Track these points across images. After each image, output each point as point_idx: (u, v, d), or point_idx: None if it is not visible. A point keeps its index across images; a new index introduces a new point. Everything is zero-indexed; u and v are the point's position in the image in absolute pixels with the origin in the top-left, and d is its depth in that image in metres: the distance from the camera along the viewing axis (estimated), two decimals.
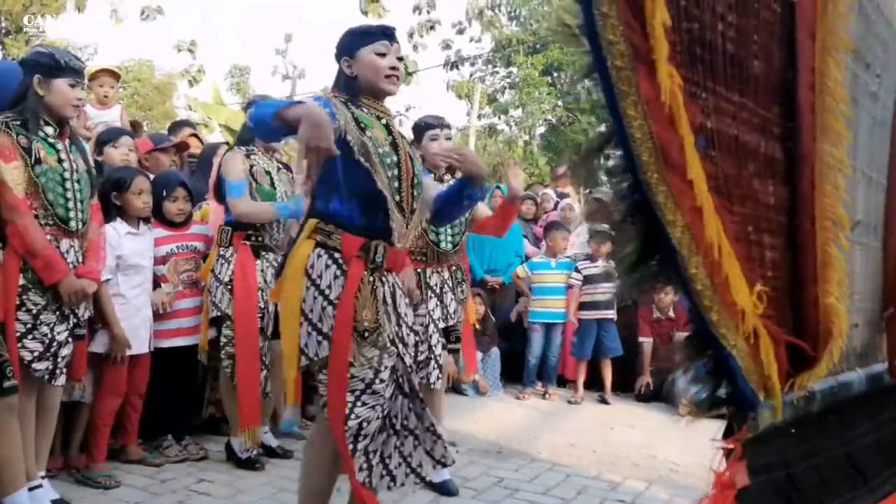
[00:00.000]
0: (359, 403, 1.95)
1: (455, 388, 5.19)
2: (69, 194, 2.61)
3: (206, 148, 4.56)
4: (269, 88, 23.34)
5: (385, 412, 2.04)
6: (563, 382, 5.77)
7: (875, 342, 1.71)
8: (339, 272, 2.00)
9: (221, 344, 3.26)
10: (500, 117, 18.45)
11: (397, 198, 2.07)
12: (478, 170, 2.30)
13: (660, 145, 1.03)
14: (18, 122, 2.54)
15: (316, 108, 1.86)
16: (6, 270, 2.48)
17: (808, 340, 1.33)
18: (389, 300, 2.09)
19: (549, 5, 18.01)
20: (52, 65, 2.60)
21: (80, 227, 2.66)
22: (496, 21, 18.51)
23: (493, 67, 18.99)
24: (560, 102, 17.80)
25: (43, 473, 2.71)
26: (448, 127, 3.24)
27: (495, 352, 5.49)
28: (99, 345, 3.06)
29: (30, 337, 2.51)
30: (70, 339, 2.64)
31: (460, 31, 18.88)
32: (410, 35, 18.94)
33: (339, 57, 2.16)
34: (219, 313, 3.26)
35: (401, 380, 2.06)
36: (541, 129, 18.54)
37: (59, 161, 2.61)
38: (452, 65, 18.61)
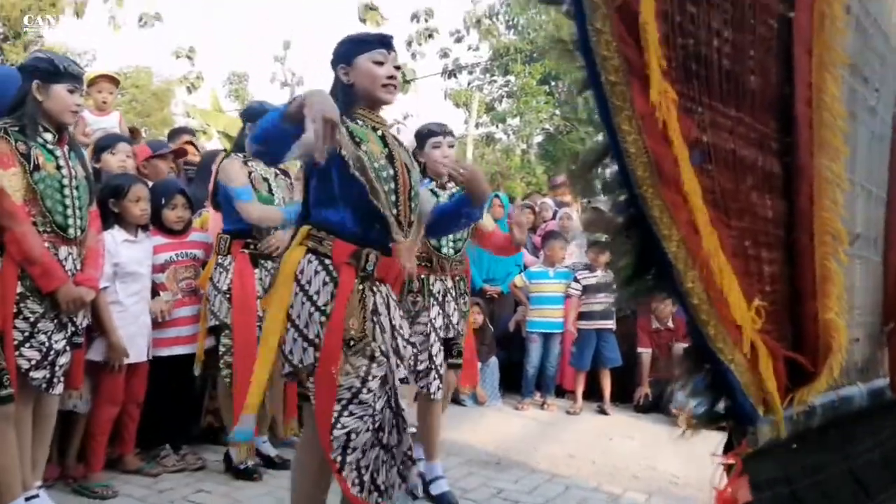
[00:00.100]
0: (346, 413, 1.93)
1: (453, 397, 5.17)
2: (68, 201, 2.60)
3: (205, 155, 4.56)
4: (267, 95, 23.35)
5: (376, 425, 2.01)
6: (561, 393, 5.76)
7: (876, 357, 1.71)
8: (328, 279, 1.99)
9: (220, 353, 3.25)
10: (497, 126, 18.49)
11: (395, 211, 2.07)
12: (481, 190, 2.25)
13: (654, 160, 1.03)
14: (17, 129, 2.53)
15: (315, 88, 1.86)
16: (4, 278, 2.47)
17: (807, 355, 1.33)
18: (382, 310, 2.07)
19: (547, 15, 18.10)
20: (51, 70, 2.59)
21: (78, 234, 2.65)
22: (494, 30, 18.58)
23: (491, 76, 19.05)
24: (557, 111, 17.85)
25: (39, 483, 2.68)
26: (451, 134, 3.23)
27: (494, 361, 5.48)
28: (96, 353, 3.04)
29: (27, 345, 2.49)
30: (68, 348, 2.63)
31: (458, 40, 18.96)
32: (409, 43, 19.01)
33: (335, 64, 2.15)
34: (217, 322, 3.26)
35: (389, 392, 2.04)
36: (538, 138, 18.58)
37: (58, 168, 2.60)
38: (450, 73, 18.67)
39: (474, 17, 18.55)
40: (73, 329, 2.66)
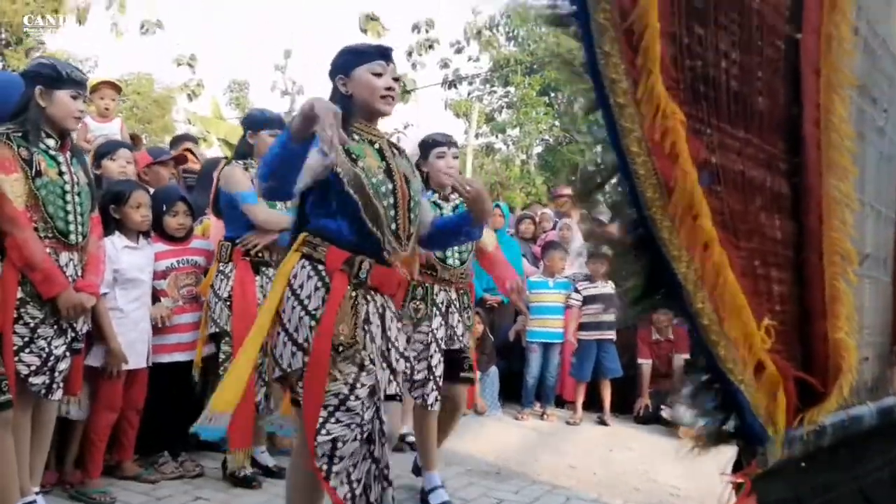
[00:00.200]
0: (332, 420, 1.92)
1: None
2: (69, 207, 2.60)
3: (206, 163, 4.56)
4: (267, 103, 23.40)
5: (365, 435, 1.99)
6: (561, 403, 5.74)
7: (886, 376, 1.70)
8: (320, 284, 1.98)
9: (220, 360, 3.24)
10: (497, 136, 18.55)
11: (393, 226, 2.06)
12: (483, 210, 2.22)
13: (663, 181, 1.03)
14: (19, 134, 2.53)
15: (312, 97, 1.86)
16: (4, 283, 2.46)
17: (817, 375, 1.33)
18: (376, 320, 2.05)
19: (547, 28, 18.18)
20: (54, 76, 2.59)
21: (79, 240, 2.64)
22: (494, 41, 18.67)
23: (491, 87, 19.12)
24: (557, 122, 17.91)
25: (37, 489, 2.67)
26: (455, 145, 3.23)
27: (494, 371, 5.46)
28: (95, 359, 3.03)
29: (27, 350, 2.48)
30: (68, 354, 2.61)
31: (459, 51, 19.05)
32: (409, 53, 19.11)
33: (333, 75, 2.15)
34: (217, 329, 3.25)
35: (378, 403, 2.02)
36: (538, 149, 18.63)
37: (60, 174, 2.60)
38: (450, 83, 18.75)
39: (475, 29, 18.65)
40: (73, 335, 2.65)
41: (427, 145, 3.16)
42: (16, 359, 2.45)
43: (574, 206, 6.62)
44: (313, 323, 1.96)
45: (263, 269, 3.29)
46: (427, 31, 18.98)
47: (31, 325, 2.50)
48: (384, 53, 2.12)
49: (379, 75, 2.09)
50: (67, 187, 2.60)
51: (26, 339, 2.48)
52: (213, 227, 3.70)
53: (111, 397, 3.11)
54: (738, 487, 1.22)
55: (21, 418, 2.49)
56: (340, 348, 1.94)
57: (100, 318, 2.94)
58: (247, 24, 41.67)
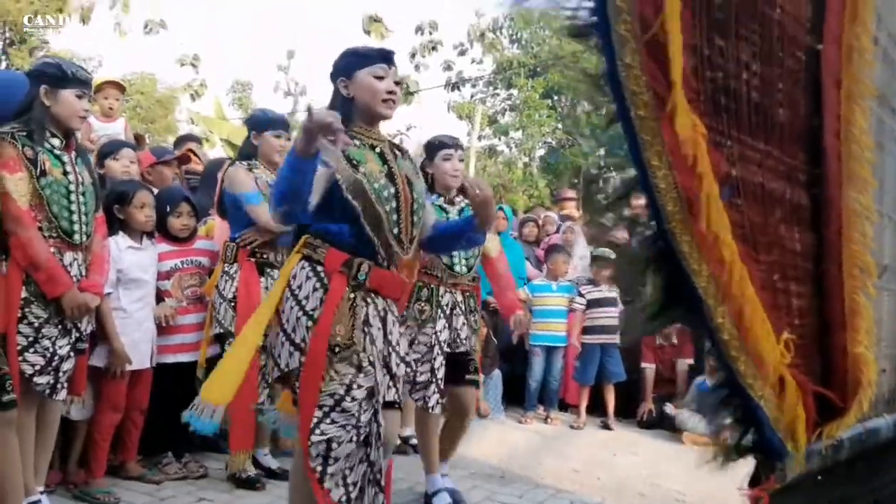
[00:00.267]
0: (327, 420, 1.91)
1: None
2: (74, 207, 2.59)
3: (210, 164, 4.54)
4: (270, 104, 23.43)
5: (362, 437, 1.98)
6: (564, 407, 5.72)
7: None
8: (318, 284, 1.99)
9: None
10: (500, 139, 18.55)
11: (395, 230, 2.05)
12: (488, 215, 2.22)
13: (684, 195, 1.02)
14: (24, 133, 2.52)
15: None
16: (9, 283, 2.46)
17: (835, 389, 1.32)
18: (377, 323, 2.05)
19: (550, 30, 18.20)
20: (59, 75, 2.59)
21: (84, 240, 2.63)
22: (498, 43, 18.69)
23: (494, 89, 19.13)
24: (560, 125, 17.91)
25: (41, 489, 2.67)
26: (461, 147, 3.22)
27: (497, 374, 5.44)
28: (98, 359, 3.02)
29: (31, 350, 2.48)
30: (72, 354, 2.61)
31: (462, 53, 19.07)
32: (412, 55, 19.12)
33: (335, 77, 2.14)
34: (222, 330, 3.24)
35: (376, 405, 2.01)
36: (540, 151, 18.64)
37: (65, 173, 2.59)
38: (454, 86, 18.76)
39: (478, 31, 18.67)
40: (78, 335, 2.64)
41: (433, 147, 3.14)
42: (20, 358, 2.45)
43: (579, 209, 6.61)
44: (310, 323, 1.96)
45: (268, 270, 3.27)
46: (430, 33, 19.00)
47: (36, 324, 2.49)
48: (386, 57, 2.12)
49: (381, 78, 2.09)
50: (72, 187, 2.59)
51: (31, 338, 2.48)
52: (217, 228, 3.69)
53: (115, 397, 3.10)
54: (755, 502, 1.20)
55: (25, 418, 2.48)
56: (337, 349, 1.94)
57: (103, 318, 2.93)
58: (250, 24, 41.76)
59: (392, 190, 2.07)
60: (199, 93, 18.45)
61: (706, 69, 1.07)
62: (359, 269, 2.00)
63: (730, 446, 1.22)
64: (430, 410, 3.02)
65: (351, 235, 2.01)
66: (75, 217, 2.59)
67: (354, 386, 1.94)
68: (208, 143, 12.36)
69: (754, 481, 1.24)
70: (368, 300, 2.03)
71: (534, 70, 17.83)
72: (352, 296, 1.99)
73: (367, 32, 18.54)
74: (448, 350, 3.05)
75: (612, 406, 5.41)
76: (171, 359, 3.35)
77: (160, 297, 3.35)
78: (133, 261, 3.16)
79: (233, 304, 3.21)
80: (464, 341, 3.10)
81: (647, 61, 0.96)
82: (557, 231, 6.46)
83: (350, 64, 2.11)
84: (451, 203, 3.14)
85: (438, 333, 3.01)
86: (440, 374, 3.02)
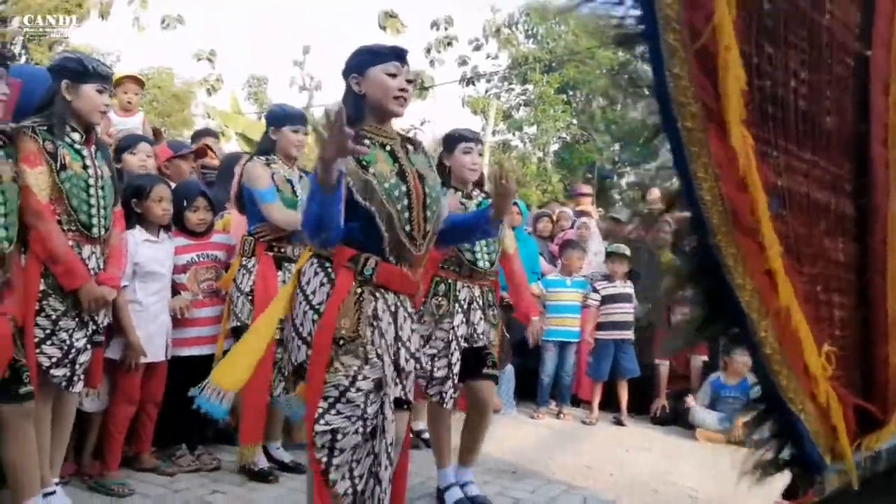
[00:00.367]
0: (332, 411, 1.93)
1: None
2: (93, 201, 2.61)
3: (226, 157, 4.57)
4: (286, 99, 23.51)
5: (368, 429, 1.99)
6: (576, 402, 5.71)
7: None
8: (325, 280, 2.01)
9: None
10: (514, 134, 18.53)
11: (408, 228, 2.06)
12: (506, 207, 2.27)
13: (731, 208, 1.01)
14: (45, 128, 2.54)
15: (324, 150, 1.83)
16: (27, 275, 2.48)
17: (875, 401, 1.30)
18: (387, 318, 2.05)
19: (566, 25, 18.11)
20: (80, 70, 2.60)
21: (102, 233, 2.66)
22: (513, 39, 18.64)
23: (509, 84, 19.10)
24: (575, 120, 17.86)
25: (57, 480, 2.69)
26: (481, 142, 3.21)
27: (509, 369, 5.43)
28: (114, 351, 3.04)
29: (48, 342, 2.50)
30: (88, 346, 2.63)
31: (477, 48, 19.03)
32: (428, 50, 19.10)
33: (347, 74, 2.14)
34: (239, 323, 3.26)
35: (383, 398, 2.02)
36: (555, 147, 18.59)
37: (85, 167, 2.61)
38: (468, 81, 18.73)
39: (494, 26, 18.62)
40: (94, 327, 2.66)
41: (453, 139, 3.13)
42: (37, 350, 2.47)
43: (594, 205, 6.58)
44: (316, 317, 1.99)
45: (286, 263, 3.29)
46: (446, 29, 18.96)
47: (53, 317, 2.51)
48: (399, 54, 2.12)
49: (393, 76, 2.09)
50: (91, 181, 2.61)
51: (48, 331, 2.50)
52: (233, 222, 3.72)
53: (130, 390, 3.13)
54: None
55: (42, 410, 2.51)
56: (341, 342, 1.96)
57: (119, 311, 2.96)
58: (266, 19, 41.87)
59: (403, 188, 2.07)
60: (215, 87, 18.55)
61: (755, 77, 1.06)
62: (365, 265, 2.01)
63: (768, 460, 1.21)
64: (445, 405, 3.02)
65: (360, 233, 2.01)
66: (94, 211, 2.61)
67: (360, 377, 1.96)
68: (224, 138, 12.41)
69: (790, 494, 1.23)
70: (378, 295, 2.04)
71: (549, 65, 17.77)
72: (358, 290, 2.00)
73: (383, 28, 18.55)
74: (465, 345, 3.03)
75: (625, 402, 5.40)
76: (186, 352, 3.37)
77: (176, 290, 3.37)
78: (149, 254, 3.19)
79: (250, 297, 3.23)
80: (481, 336, 3.08)
81: (695, 71, 0.94)
82: (572, 226, 6.44)
83: (363, 61, 2.11)
84: (469, 197, 3.13)
85: (456, 328, 3.00)
86: (456, 369, 3.01)
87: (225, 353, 3.28)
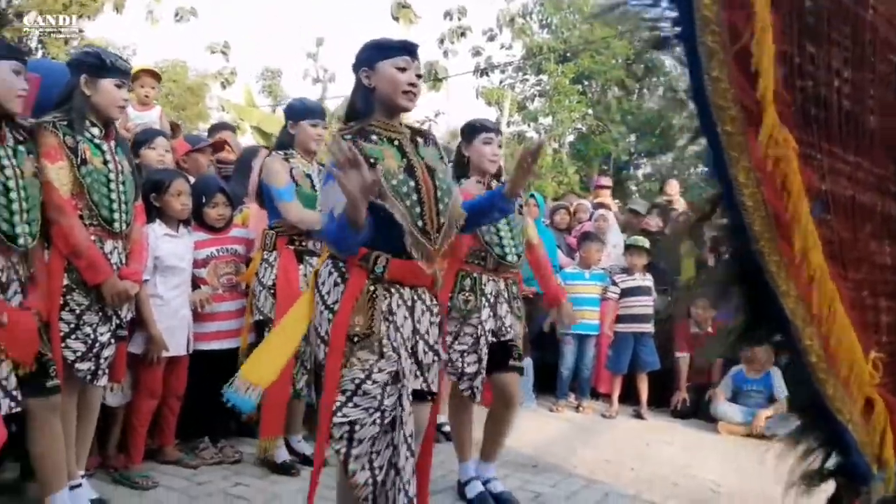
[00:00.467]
0: (350, 404, 1.96)
1: None
2: (114, 195, 2.61)
3: (244, 151, 4.56)
4: (299, 92, 23.59)
5: (387, 420, 2.01)
6: (595, 395, 5.69)
7: None
8: (339, 280, 2.05)
9: None
10: (529, 125, 18.41)
11: (420, 223, 2.06)
12: (521, 183, 2.29)
13: (773, 213, 0.98)
14: (65, 123, 2.54)
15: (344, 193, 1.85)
16: (51, 270, 2.49)
17: None
18: (403, 312, 2.06)
19: (581, 15, 17.97)
20: (99, 65, 2.60)
21: (123, 228, 2.66)
22: (527, 29, 18.51)
23: (524, 75, 18.97)
24: (590, 111, 17.72)
25: (83, 473, 2.71)
26: (501, 133, 3.20)
27: (528, 362, 5.41)
28: (136, 346, 3.06)
29: (73, 337, 2.52)
30: (112, 340, 2.64)
31: (491, 38, 18.92)
32: (441, 41, 19.02)
33: (357, 68, 2.15)
34: (262, 317, 3.27)
35: (401, 390, 2.03)
36: (570, 138, 18.46)
37: (105, 162, 2.61)
38: (482, 71, 18.64)
39: (508, 16, 18.50)
40: (118, 322, 2.67)
41: (474, 129, 3.11)
42: (62, 345, 2.48)
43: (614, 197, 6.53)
44: (331, 316, 2.02)
45: (307, 257, 3.29)
46: (459, 19, 18.87)
47: (77, 311, 2.52)
48: (409, 49, 2.12)
49: (403, 70, 2.09)
50: (112, 175, 2.61)
51: (72, 325, 2.51)
52: (253, 216, 3.72)
53: (152, 384, 3.14)
54: None
55: (68, 404, 2.52)
56: (356, 338, 1.99)
57: (141, 305, 2.97)
58: (279, 11, 41.90)
59: (412, 183, 2.07)
60: (229, 80, 18.61)
61: (797, 78, 1.03)
62: (376, 263, 2.03)
63: (814, 471, 1.18)
64: (476, 399, 3.01)
65: (373, 230, 2.01)
66: (115, 205, 2.61)
67: (375, 370, 1.99)
68: (239, 131, 12.45)
69: None
70: (392, 290, 2.05)
71: (564, 55, 17.63)
72: (371, 288, 2.02)
73: (396, 19, 18.49)
74: (493, 339, 3.02)
75: (645, 395, 5.37)
76: (207, 346, 3.38)
77: (196, 285, 3.38)
78: (169, 248, 3.20)
79: (272, 291, 3.24)
80: (508, 329, 3.06)
81: (735, 74, 0.91)
82: (590, 219, 6.40)
83: (372, 55, 2.12)
84: (489, 188, 3.11)
85: (483, 323, 2.98)
86: (485, 363, 2.99)
87: (249, 346, 3.32)
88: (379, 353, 2.00)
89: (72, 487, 2.55)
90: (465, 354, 2.96)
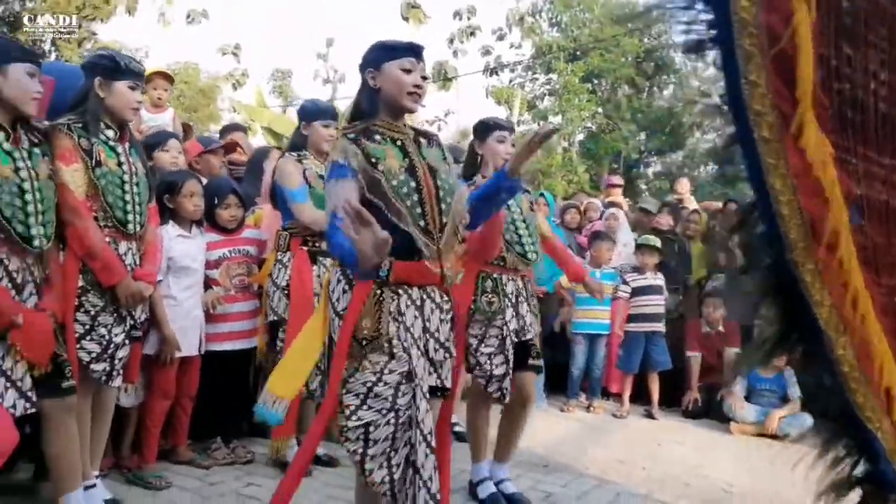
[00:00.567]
0: (364, 407, 1.98)
1: None
2: (128, 197, 2.63)
3: (256, 152, 4.58)
4: (310, 92, 23.62)
5: (402, 419, 2.01)
6: (606, 395, 5.68)
7: None
8: (346, 286, 2.06)
9: (278, 349, 3.27)
10: (539, 124, 18.34)
11: (422, 223, 2.07)
12: (525, 162, 2.31)
13: (809, 221, 0.96)
14: (80, 125, 2.56)
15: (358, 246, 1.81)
16: (66, 272, 2.51)
17: None
18: (412, 312, 2.07)
19: (591, 13, 17.92)
20: (113, 67, 2.62)
21: (138, 229, 2.68)
22: (537, 27, 18.48)
23: (533, 74, 18.95)
24: (600, 110, 17.67)
25: (97, 473, 2.73)
26: (514, 132, 3.21)
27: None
28: (149, 346, 3.07)
29: (88, 338, 2.53)
30: (127, 341, 2.66)
31: (500, 38, 18.91)
32: (451, 41, 19.03)
33: (363, 69, 2.16)
34: (276, 317, 3.28)
35: (415, 388, 2.03)
36: (580, 137, 18.42)
37: (119, 164, 2.63)
38: (492, 71, 18.63)
39: (517, 15, 18.48)
40: (132, 323, 2.69)
41: (488, 127, 3.11)
42: (77, 346, 2.50)
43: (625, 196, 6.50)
44: (340, 322, 2.04)
45: (321, 258, 3.30)
46: (469, 18, 18.88)
47: (92, 312, 2.54)
48: (415, 50, 2.13)
49: (408, 71, 2.10)
50: (126, 177, 2.63)
51: (87, 326, 2.53)
52: (265, 217, 3.73)
53: (165, 384, 3.16)
54: None
55: (82, 405, 2.54)
56: (364, 342, 2.00)
57: (154, 306, 2.99)
58: (290, 13, 42.00)
59: (412, 184, 2.07)
60: (240, 82, 18.70)
61: (833, 80, 1.01)
62: (380, 266, 2.03)
63: (842, 479, 1.17)
64: (506, 400, 3.01)
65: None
66: (129, 207, 2.63)
67: (386, 371, 2.00)
68: (250, 132, 12.49)
69: None
70: (400, 291, 2.06)
71: (573, 54, 17.59)
72: (378, 291, 2.03)
73: (406, 19, 18.52)
74: (515, 339, 3.02)
75: (656, 395, 5.35)
76: (219, 347, 3.40)
77: (208, 286, 3.40)
78: (182, 249, 3.21)
79: (286, 292, 3.25)
80: (529, 327, 3.08)
81: (773, 78, 0.89)
82: (600, 217, 6.39)
83: (379, 56, 2.13)
84: None
85: (508, 324, 3.00)
86: (511, 364, 3.01)
87: (266, 344, 3.35)
88: (389, 354, 2.01)
89: (86, 488, 2.57)
90: (493, 356, 2.98)
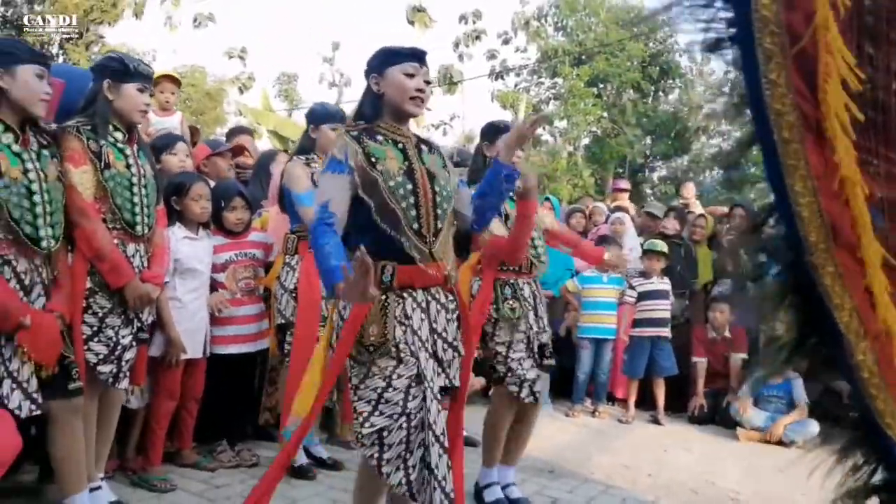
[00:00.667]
0: (375, 413, 1.99)
1: None
2: (136, 199, 2.63)
3: (263, 155, 4.59)
4: (316, 95, 23.67)
5: (414, 421, 2.02)
6: (611, 400, 5.66)
7: None
8: None
9: (286, 351, 3.27)
10: (544, 128, 18.35)
11: (416, 226, 2.08)
12: (518, 145, 2.29)
13: (830, 223, 0.95)
14: (88, 127, 2.57)
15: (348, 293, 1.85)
16: (74, 273, 2.51)
17: None
18: (419, 314, 2.08)
19: (596, 17, 17.92)
20: (122, 70, 2.63)
21: (146, 231, 2.68)
22: (542, 32, 18.51)
23: (539, 78, 18.97)
24: (605, 114, 17.67)
25: (102, 475, 2.73)
26: None
27: None
28: (154, 348, 3.07)
29: (95, 340, 2.54)
30: (134, 343, 2.66)
31: (506, 42, 18.95)
32: (456, 45, 19.07)
33: (368, 73, 2.19)
34: (284, 320, 3.29)
35: (425, 391, 2.04)
36: (585, 141, 18.42)
37: (128, 166, 2.63)
38: (497, 75, 18.67)
39: (522, 19, 18.52)
40: (139, 324, 2.69)
41: (497, 130, 3.11)
42: (85, 347, 2.50)
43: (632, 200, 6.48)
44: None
45: None
46: (474, 22, 18.93)
47: (100, 314, 2.55)
48: (418, 55, 2.15)
49: (411, 76, 2.12)
50: (134, 179, 2.64)
51: (95, 328, 2.54)
52: (272, 221, 3.74)
53: (170, 386, 3.16)
54: None
55: (89, 406, 2.54)
56: (371, 348, 2.01)
57: (160, 308, 2.99)
58: (296, 16, 42.13)
59: (409, 186, 2.09)
60: (246, 85, 18.75)
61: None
62: (383, 272, 2.05)
63: (858, 487, 1.15)
64: (538, 402, 3.04)
65: (373, 243, 2.03)
66: (138, 209, 2.63)
67: (395, 376, 2.01)
68: (255, 135, 12.50)
69: None
70: (405, 295, 2.07)
71: (579, 58, 17.61)
72: (383, 297, 2.04)
73: (411, 22, 18.57)
74: (538, 341, 3.06)
75: (662, 400, 5.33)
76: (225, 350, 3.40)
77: (215, 289, 3.39)
78: (189, 251, 3.22)
79: (294, 295, 3.25)
80: (545, 329, 3.12)
81: (794, 77, 0.87)
82: (606, 222, 6.37)
83: (382, 61, 2.15)
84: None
85: (531, 327, 3.03)
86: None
87: (261, 351, 3.35)
88: (397, 359, 2.02)
89: (91, 490, 2.57)
90: (523, 361, 3.00)
